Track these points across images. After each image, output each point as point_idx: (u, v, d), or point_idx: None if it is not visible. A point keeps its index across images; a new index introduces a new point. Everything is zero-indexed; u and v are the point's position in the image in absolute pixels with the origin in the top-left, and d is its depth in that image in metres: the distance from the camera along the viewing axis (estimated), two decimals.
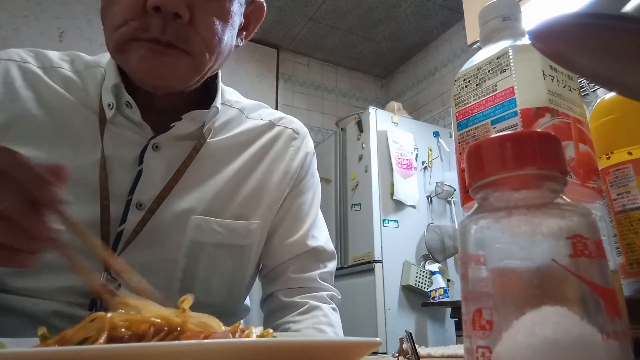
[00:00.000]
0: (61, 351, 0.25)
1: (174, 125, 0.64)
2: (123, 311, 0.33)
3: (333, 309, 0.74)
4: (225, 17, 0.60)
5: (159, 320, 0.31)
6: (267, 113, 0.78)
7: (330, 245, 0.78)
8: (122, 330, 0.30)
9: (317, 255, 0.75)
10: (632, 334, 0.28)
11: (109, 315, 0.30)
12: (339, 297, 0.77)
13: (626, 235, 0.44)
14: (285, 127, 0.77)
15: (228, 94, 0.76)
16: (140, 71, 0.58)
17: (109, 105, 0.63)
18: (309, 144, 0.79)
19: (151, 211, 0.61)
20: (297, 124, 0.80)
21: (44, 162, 0.59)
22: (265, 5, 0.72)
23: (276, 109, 2.83)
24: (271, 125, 0.76)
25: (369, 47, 3.77)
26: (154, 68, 0.57)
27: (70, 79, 0.67)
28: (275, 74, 3.65)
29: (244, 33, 0.70)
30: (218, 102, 0.69)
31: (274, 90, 3.61)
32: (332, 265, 0.77)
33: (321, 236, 0.77)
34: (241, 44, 0.70)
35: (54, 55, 0.69)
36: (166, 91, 0.62)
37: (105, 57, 0.70)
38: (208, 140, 0.68)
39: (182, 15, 0.55)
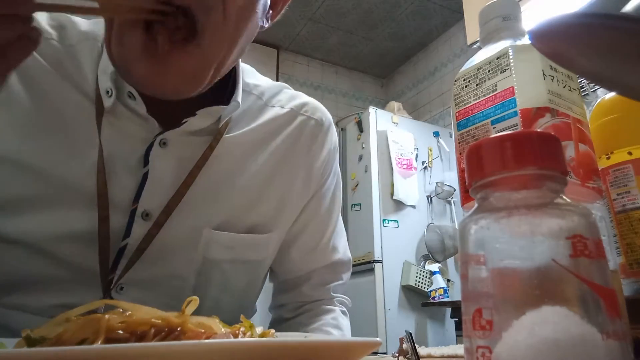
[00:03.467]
0: (63, 351, 0.25)
1: (186, 121, 0.54)
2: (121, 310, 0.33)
3: (343, 312, 0.71)
4: (253, 6, 0.51)
5: (159, 321, 0.31)
6: (287, 97, 0.68)
7: (347, 254, 0.74)
8: (120, 332, 0.30)
9: (335, 269, 0.71)
10: (632, 334, 0.28)
11: (106, 316, 0.30)
12: (350, 304, 0.73)
13: (626, 235, 0.44)
14: (309, 116, 0.68)
15: (247, 76, 0.65)
16: None
17: (107, 92, 0.53)
18: (332, 137, 0.71)
19: (159, 224, 0.53)
20: (321, 111, 0.70)
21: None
22: None
23: None
24: (293, 114, 0.67)
25: (369, 47, 3.77)
26: None
27: (61, 53, 0.55)
28: (275, 74, 3.65)
29: (271, 12, 0.59)
30: (239, 95, 0.59)
31: None
32: (347, 277, 0.73)
33: (340, 245, 0.72)
34: (267, 25, 0.59)
35: (42, 18, 0.56)
36: None
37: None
38: (225, 135, 0.58)
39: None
